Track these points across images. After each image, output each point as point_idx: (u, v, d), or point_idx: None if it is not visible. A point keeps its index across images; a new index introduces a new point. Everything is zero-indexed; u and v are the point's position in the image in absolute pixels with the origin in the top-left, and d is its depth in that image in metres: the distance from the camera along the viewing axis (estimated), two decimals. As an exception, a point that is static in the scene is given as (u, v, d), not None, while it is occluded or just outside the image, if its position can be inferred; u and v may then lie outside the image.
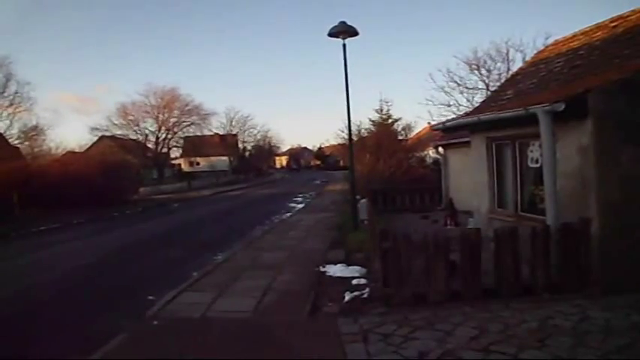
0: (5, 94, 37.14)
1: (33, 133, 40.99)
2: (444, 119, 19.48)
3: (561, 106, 6.61)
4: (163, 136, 60.38)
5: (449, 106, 29.90)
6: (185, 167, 73.47)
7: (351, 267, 9.19)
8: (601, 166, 6.69)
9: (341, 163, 77.53)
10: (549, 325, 5.57)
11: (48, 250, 14.40)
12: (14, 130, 38.88)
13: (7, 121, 38.05)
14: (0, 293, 9.11)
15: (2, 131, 36.72)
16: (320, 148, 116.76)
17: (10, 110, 37.77)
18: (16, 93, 37.70)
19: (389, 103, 29.04)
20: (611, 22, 10.03)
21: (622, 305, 6.04)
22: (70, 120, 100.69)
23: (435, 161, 24.78)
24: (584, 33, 10.80)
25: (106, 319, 7.19)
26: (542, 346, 4.99)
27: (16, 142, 38.71)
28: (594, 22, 10.74)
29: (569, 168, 7.20)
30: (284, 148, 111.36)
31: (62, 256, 13.50)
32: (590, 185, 6.82)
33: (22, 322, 7.35)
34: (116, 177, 31.25)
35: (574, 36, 11.23)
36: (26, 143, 40.08)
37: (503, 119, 8.27)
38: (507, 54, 28.30)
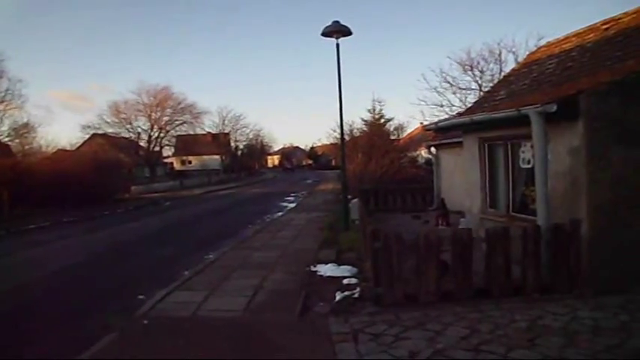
0: (-4, 92, 36.77)
1: (24, 130, 40.65)
2: (436, 119, 19.54)
3: (553, 107, 6.63)
4: (156, 134, 60.08)
5: (441, 106, 29.96)
6: (177, 166, 73.33)
7: (342, 267, 9.18)
8: (592, 167, 6.72)
9: (333, 162, 77.63)
10: (539, 325, 5.60)
11: (38, 249, 14.27)
12: (4, 128, 38.57)
13: (-3, 119, 37.71)
14: (-12, 292, 9.03)
15: (-8, 128, 36.45)
16: (312, 148, 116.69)
17: (1, 107, 37.42)
18: (8, 90, 37.34)
19: (381, 103, 29.13)
20: (603, 24, 10.09)
21: (611, 305, 6.07)
22: (61, 118, 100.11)
23: (427, 161, 24.88)
24: (576, 35, 10.85)
25: (96, 318, 7.13)
26: (532, 346, 5.01)
27: (7, 139, 38.44)
28: (586, 24, 10.81)
29: (561, 169, 7.23)
30: (276, 148, 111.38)
31: (52, 254, 13.40)
32: (581, 186, 6.85)
33: (11, 322, 7.28)
34: (108, 175, 31.11)
35: (566, 38, 11.29)
36: (17, 141, 39.76)
37: (496, 120, 8.29)
38: (500, 55, 28.39)
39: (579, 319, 5.75)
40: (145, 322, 6.74)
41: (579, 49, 9.93)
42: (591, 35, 10.09)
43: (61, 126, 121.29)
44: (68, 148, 47.52)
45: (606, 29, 9.76)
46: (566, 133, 7.13)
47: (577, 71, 8.91)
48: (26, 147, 39.81)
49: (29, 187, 23.98)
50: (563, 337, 5.20)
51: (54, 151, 41.28)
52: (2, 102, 37.23)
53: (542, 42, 16.27)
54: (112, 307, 7.74)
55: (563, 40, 11.40)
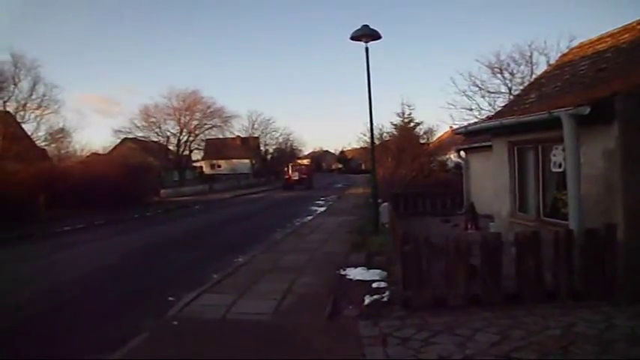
0: (33, 97, 37.78)
1: (59, 135, 41.60)
2: (465, 123, 19.34)
3: (586, 110, 6.51)
4: (185, 138, 60.69)
5: (471, 110, 29.62)
6: (206, 170, 74.01)
7: (371, 270, 9.15)
8: (627, 171, 6.55)
9: (363, 166, 77.53)
10: (573, 333, 5.47)
11: (71, 250, 14.63)
12: (41, 133, 39.55)
13: (35, 124, 38.71)
14: (25, 293, 9.27)
15: (30, 133, 37.40)
16: (342, 152, 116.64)
17: (38, 112, 38.43)
18: (44, 96, 38.31)
19: (411, 107, 29.05)
20: (639, 24, 9.84)
21: (648, 313, 5.91)
22: (93, 121, 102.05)
23: (457, 165, 24.62)
24: (610, 35, 10.61)
25: (128, 318, 7.28)
26: (566, 354, 4.90)
27: (43, 144, 39.38)
28: (621, 24, 10.56)
29: (594, 172, 7.08)
30: (306, 152, 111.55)
31: (85, 256, 13.72)
32: (616, 190, 6.68)
33: (45, 321, 7.48)
34: (138, 179, 31.70)
35: (600, 38, 11.04)
36: (52, 145, 40.69)
37: (527, 123, 8.17)
38: (531, 57, 27.89)
39: (615, 327, 5.60)
40: (175, 323, 6.84)
41: (614, 50, 9.70)
42: (626, 35, 9.85)
43: (94, 129, 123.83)
44: (101, 152, 48.52)
45: (642, 29, 9.52)
46: (599, 135, 6.98)
47: (611, 73, 8.70)
48: (62, 151, 40.78)
49: (64, 191, 24.62)
50: (598, 345, 5.08)
51: (87, 154, 42.20)
52: (39, 107, 38.25)
53: (575, 43, 15.94)
54: (143, 309, 7.89)
55: (596, 40, 11.16)
